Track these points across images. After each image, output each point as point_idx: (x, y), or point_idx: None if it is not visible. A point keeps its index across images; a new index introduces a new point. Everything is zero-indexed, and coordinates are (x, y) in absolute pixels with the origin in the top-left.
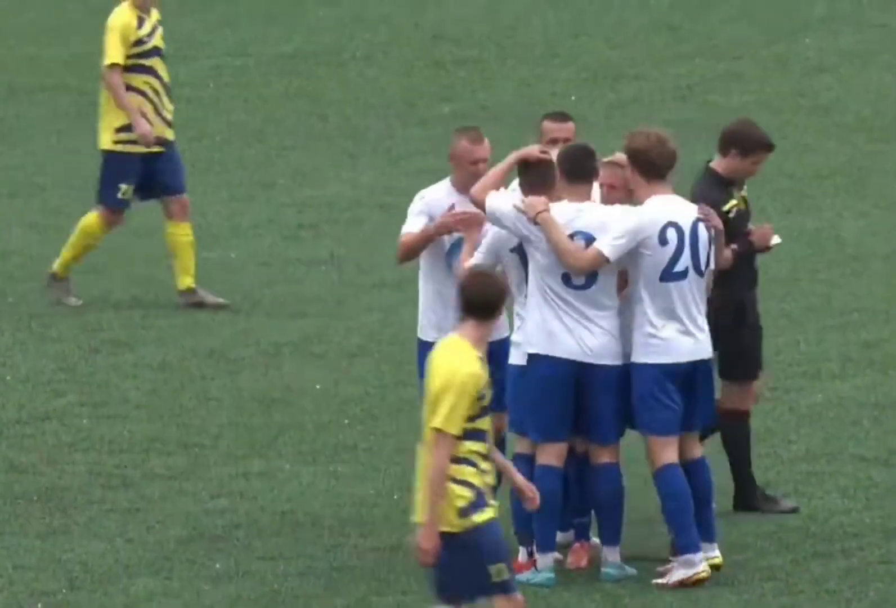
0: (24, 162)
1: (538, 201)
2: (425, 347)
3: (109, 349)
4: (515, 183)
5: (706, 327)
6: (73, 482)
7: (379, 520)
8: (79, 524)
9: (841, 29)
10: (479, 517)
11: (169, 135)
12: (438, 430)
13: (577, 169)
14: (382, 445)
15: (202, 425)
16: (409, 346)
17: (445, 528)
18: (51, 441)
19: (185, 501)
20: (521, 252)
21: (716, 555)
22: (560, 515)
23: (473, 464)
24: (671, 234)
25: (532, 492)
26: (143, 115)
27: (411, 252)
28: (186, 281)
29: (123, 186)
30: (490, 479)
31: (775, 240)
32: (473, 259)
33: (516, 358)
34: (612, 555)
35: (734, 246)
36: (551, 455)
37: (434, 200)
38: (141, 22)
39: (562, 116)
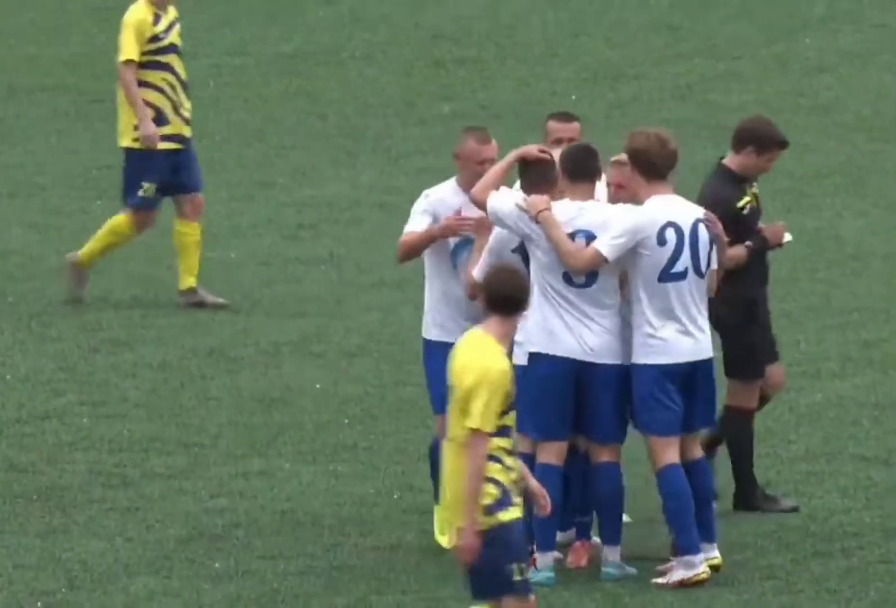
0: (24, 162)
1: (540, 200)
2: (430, 346)
3: (109, 348)
4: (518, 183)
5: (707, 328)
6: (73, 481)
7: (379, 519)
8: (78, 523)
9: (841, 29)
10: (505, 516)
11: (187, 132)
12: (475, 430)
13: (580, 168)
14: (382, 445)
15: (202, 424)
16: (408, 346)
17: None
18: (50, 440)
19: (185, 500)
20: (522, 252)
21: (715, 555)
22: (560, 515)
23: (499, 461)
24: (670, 235)
25: (545, 498)
26: (160, 113)
27: (412, 252)
28: (189, 281)
29: (145, 184)
30: (515, 476)
31: (787, 237)
32: (478, 266)
33: (518, 357)
34: (612, 554)
35: (748, 243)
36: (551, 454)
37: (439, 200)
38: (157, 18)
39: (567, 116)
